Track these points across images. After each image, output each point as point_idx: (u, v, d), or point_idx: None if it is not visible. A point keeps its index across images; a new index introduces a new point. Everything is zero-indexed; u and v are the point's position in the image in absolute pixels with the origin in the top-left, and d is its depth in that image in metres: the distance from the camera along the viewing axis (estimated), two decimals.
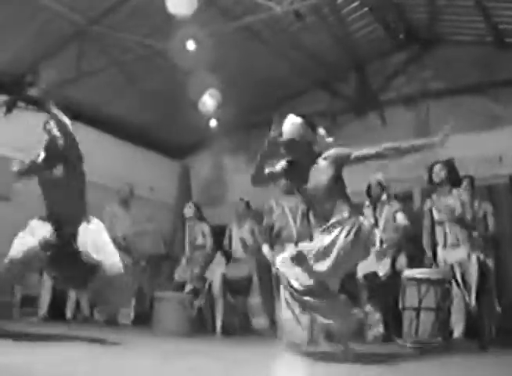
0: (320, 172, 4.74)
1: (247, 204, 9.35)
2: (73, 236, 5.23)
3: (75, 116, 10.53)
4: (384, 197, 7.88)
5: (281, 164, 4.92)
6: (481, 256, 6.81)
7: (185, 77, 9.33)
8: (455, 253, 6.84)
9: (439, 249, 7.07)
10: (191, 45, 8.69)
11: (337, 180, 4.79)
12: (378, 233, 7.70)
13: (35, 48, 9.38)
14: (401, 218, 7.67)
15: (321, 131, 4.98)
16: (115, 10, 8.71)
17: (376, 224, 7.72)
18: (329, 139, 4.91)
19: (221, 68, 9.74)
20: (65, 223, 5.27)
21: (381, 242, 7.68)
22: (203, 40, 8.69)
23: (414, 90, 10.38)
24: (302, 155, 4.86)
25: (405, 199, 8.08)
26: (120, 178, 9.95)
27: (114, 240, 8.94)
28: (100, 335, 6.10)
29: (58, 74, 9.55)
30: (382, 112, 10.50)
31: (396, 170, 8.88)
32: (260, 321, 8.43)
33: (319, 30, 9.48)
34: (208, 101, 9.83)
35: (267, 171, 4.86)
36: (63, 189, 5.37)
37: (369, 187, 8.00)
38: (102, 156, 10.79)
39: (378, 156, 5.07)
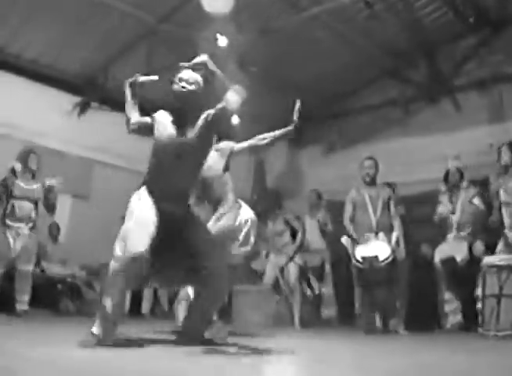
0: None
1: (319, 194, 9.37)
2: None
3: (146, 113, 10.84)
4: (464, 183, 7.77)
5: None
6: None
7: (253, 70, 9.37)
8: None
9: (506, 231, 6.91)
10: (259, 38, 8.77)
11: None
12: (455, 219, 7.62)
13: (106, 49, 9.56)
14: (477, 203, 7.55)
15: None
16: (182, 7, 8.81)
17: (452, 210, 7.63)
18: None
19: (291, 59, 9.78)
20: None
21: (458, 228, 7.58)
22: (271, 33, 8.74)
23: (486, 74, 10.16)
24: None
25: (482, 184, 7.91)
26: None
27: None
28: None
29: (128, 73, 9.72)
30: (455, 98, 10.32)
31: (473, 155, 8.76)
32: (330, 311, 8.46)
33: (388, 18, 9.38)
34: (232, 97, 9.70)
35: None
36: None
37: (447, 173, 7.89)
38: None
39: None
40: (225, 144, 5.72)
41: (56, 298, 8.99)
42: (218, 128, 4.60)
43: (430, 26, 9.96)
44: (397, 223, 7.39)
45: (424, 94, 10.56)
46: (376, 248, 7.00)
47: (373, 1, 8.66)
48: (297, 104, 5.42)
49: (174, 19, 8.99)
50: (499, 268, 6.20)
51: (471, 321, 6.85)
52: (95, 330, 3.89)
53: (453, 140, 9.71)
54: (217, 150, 5.61)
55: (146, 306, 9.38)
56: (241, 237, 5.58)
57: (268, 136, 5.59)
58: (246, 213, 5.69)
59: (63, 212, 10.13)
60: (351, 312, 8.13)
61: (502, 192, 6.94)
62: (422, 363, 3.62)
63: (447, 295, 7.45)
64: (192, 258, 4.20)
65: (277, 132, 5.58)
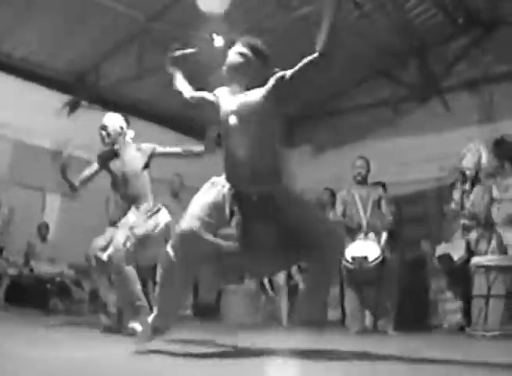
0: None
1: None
2: None
3: (137, 113, 10.83)
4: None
5: None
6: None
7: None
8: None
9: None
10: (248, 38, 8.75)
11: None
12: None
13: (97, 48, 9.55)
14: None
15: None
16: (174, 6, 8.79)
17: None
18: None
19: (282, 59, 9.75)
20: None
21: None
22: (262, 32, 8.72)
23: (477, 75, 10.18)
24: None
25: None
26: (181, 173, 9.94)
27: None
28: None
29: (120, 72, 9.71)
30: (445, 98, 10.33)
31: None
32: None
33: (378, 18, 9.39)
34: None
35: None
36: None
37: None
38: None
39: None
40: (147, 145, 5.86)
41: (45, 296, 8.97)
42: (288, 91, 4.03)
43: (421, 27, 9.98)
44: (388, 223, 7.38)
45: (415, 94, 10.56)
46: (366, 249, 6.99)
47: (363, 2, 8.67)
48: None
49: (165, 18, 8.98)
50: (488, 268, 6.21)
51: (468, 321, 6.84)
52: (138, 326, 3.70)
53: (444, 140, 9.73)
54: (138, 150, 5.81)
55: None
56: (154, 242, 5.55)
57: (191, 149, 5.96)
58: (164, 217, 5.69)
59: (52, 211, 10.12)
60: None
61: (494, 188, 6.92)
62: (409, 363, 3.62)
63: (447, 294, 7.45)
64: (296, 237, 3.71)
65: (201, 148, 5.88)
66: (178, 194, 9.33)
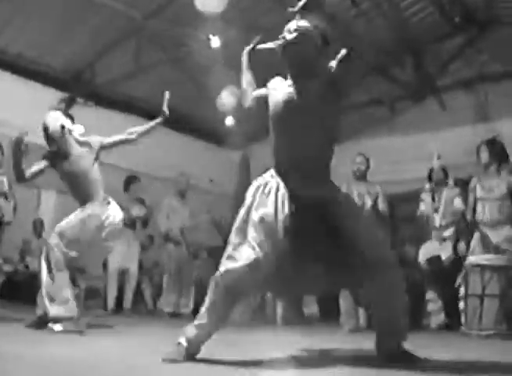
0: None
1: None
2: None
3: (132, 110, 10.82)
4: (451, 182, 7.78)
5: None
6: None
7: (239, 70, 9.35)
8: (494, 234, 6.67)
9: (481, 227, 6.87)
10: (246, 36, 8.73)
11: None
12: (437, 218, 7.64)
13: (93, 45, 9.53)
14: (458, 202, 7.55)
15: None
16: (170, 5, 8.78)
17: (435, 209, 7.66)
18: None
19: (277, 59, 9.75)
20: None
21: (440, 227, 7.61)
22: (259, 30, 8.70)
23: (472, 74, 10.20)
24: None
25: (466, 184, 7.91)
26: (178, 171, 9.95)
27: (169, 233, 9.04)
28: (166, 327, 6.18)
29: (116, 69, 9.70)
30: (441, 97, 10.34)
31: (458, 155, 8.78)
32: (310, 309, 8.44)
33: (375, 17, 9.39)
34: (227, 98, 9.63)
35: None
36: None
37: (431, 171, 7.91)
38: (161, 150, 10.89)
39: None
40: (94, 139, 5.72)
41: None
42: (345, 83, 3.75)
43: (417, 25, 9.97)
44: (383, 220, 7.39)
45: (410, 93, 10.56)
46: None
47: (359, 1, 8.67)
48: (166, 96, 5.43)
49: (162, 16, 8.97)
50: (483, 267, 6.23)
51: (454, 320, 6.87)
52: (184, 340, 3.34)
53: (439, 139, 9.75)
54: (85, 145, 5.65)
55: (129, 303, 9.11)
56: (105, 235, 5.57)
57: (136, 130, 5.83)
58: (115, 211, 5.67)
59: (48, 208, 10.11)
60: (334, 310, 8.14)
61: (478, 188, 6.88)
62: (403, 362, 3.62)
63: (430, 295, 7.50)
64: (351, 252, 3.27)
65: (146, 125, 5.92)
66: (184, 194, 9.27)
